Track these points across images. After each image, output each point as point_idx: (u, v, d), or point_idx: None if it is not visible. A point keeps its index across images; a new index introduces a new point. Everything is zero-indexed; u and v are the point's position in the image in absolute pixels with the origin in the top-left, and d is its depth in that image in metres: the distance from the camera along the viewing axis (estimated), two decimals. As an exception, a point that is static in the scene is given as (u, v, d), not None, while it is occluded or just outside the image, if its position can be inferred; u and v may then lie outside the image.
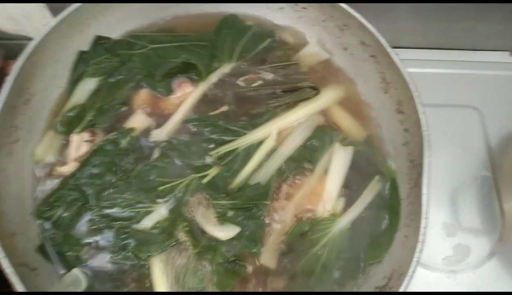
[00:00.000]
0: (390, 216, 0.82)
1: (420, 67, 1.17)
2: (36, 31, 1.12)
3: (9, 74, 1.03)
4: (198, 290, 0.75)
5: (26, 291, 0.65)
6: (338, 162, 0.85)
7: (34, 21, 1.10)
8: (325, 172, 0.85)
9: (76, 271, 0.75)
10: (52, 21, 0.84)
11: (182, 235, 0.79)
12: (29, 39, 1.12)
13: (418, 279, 0.97)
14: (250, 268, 0.79)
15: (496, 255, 1.00)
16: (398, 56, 1.18)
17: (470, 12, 1.11)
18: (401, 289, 0.71)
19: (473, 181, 1.07)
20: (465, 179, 1.07)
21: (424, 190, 0.75)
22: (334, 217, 0.81)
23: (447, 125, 1.11)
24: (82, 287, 0.74)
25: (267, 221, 0.82)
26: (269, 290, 0.78)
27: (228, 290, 0.76)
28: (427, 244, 0.98)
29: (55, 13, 1.02)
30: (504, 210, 1.03)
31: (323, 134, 0.88)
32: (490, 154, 1.09)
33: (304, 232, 0.81)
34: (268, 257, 0.79)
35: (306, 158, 0.86)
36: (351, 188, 0.85)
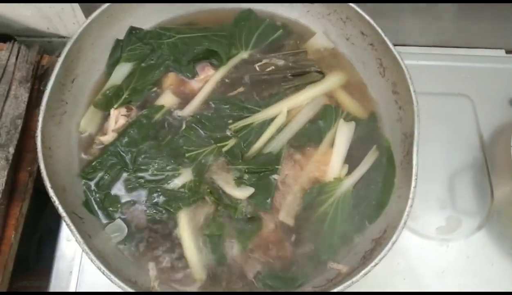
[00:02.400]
0: (386, 180, 0.89)
1: (419, 59, 1.22)
2: (67, 29, 1.22)
3: (44, 65, 1.15)
4: (216, 236, 0.83)
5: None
6: (342, 135, 0.92)
7: (65, 20, 1.15)
8: (331, 144, 0.92)
9: (119, 221, 0.84)
10: (94, 13, 0.90)
11: (206, 194, 0.86)
12: (60, 37, 1.21)
13: (414, 245, 1.04)
14: (270, 225, 0.87)
15: (485, 226, 1.06)
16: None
17: (463, 12, 1.16)
18: (393, 240, 0.76)
19: (466, 162, 1.12)
20: (459, 160, 1.12)
21: (414, 156, 0.81)
22: (339, 180, 0.89)
23: (443, 112, 1.17)
24: (124, 234, 0.83)
25: (282, 186, 0.89)
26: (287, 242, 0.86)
27: (248, 243, 0.85)
28: (422, 215, 1.07)
29: (86, 13, 1.10)
30: (494, 196, 1.08)
31: (329, 112, 0.95)
32: (481, 138, 1.14)
33: (314, 194, 0.88)
34: (286, 216, 0.87)
35: (314, 132, 0.93)
36: (353, 156, 0.92)
